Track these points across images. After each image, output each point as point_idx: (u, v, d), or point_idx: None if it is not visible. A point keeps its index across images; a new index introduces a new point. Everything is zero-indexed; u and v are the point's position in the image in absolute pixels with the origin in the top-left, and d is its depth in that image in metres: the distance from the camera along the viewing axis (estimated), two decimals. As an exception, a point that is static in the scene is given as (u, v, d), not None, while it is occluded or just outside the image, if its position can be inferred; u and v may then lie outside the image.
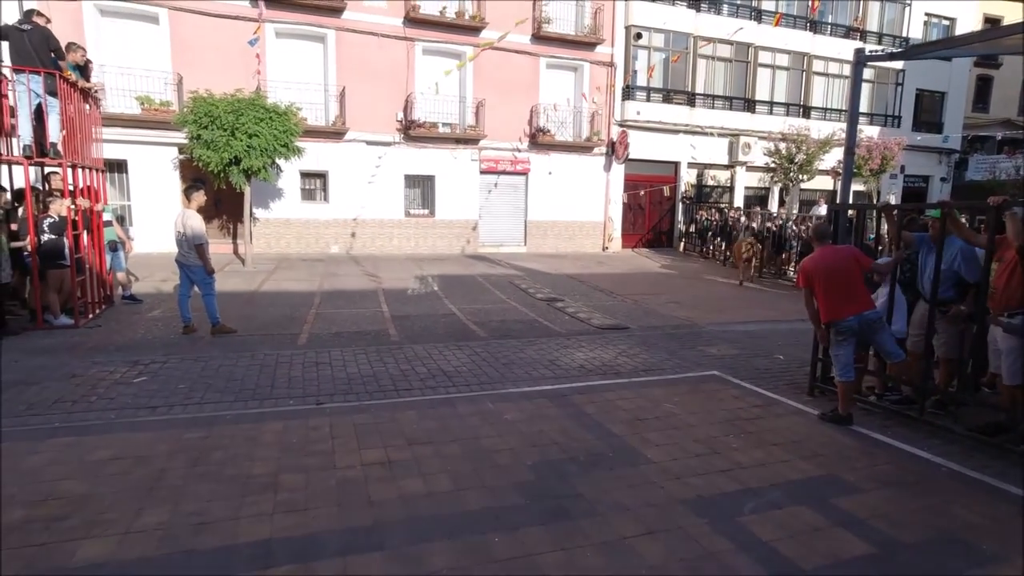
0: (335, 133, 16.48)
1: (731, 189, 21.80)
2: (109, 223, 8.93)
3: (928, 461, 4.04)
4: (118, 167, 14.90)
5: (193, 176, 15.23)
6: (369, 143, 16.93)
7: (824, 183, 21.67)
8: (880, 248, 8.92)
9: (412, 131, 17.09)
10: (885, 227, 8.57)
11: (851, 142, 5.33)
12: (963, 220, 5.11)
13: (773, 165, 20.08)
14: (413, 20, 16.76)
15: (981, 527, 3.16)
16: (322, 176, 16.88)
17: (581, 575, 2.65)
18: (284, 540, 2.86)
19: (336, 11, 16.12)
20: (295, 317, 8.57)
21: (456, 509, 3.21)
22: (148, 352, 6.44)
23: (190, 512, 3.10)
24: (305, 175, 16.62)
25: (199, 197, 7.36)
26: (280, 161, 13.86)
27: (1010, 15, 26.62)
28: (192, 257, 7.12)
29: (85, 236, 7.90)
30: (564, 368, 6.21)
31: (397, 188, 17.52)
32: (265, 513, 3.10)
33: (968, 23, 24.60)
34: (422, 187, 18.03)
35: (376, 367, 6.01)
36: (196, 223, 7.10)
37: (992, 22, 26.92)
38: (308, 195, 16.95)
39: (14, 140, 7.37)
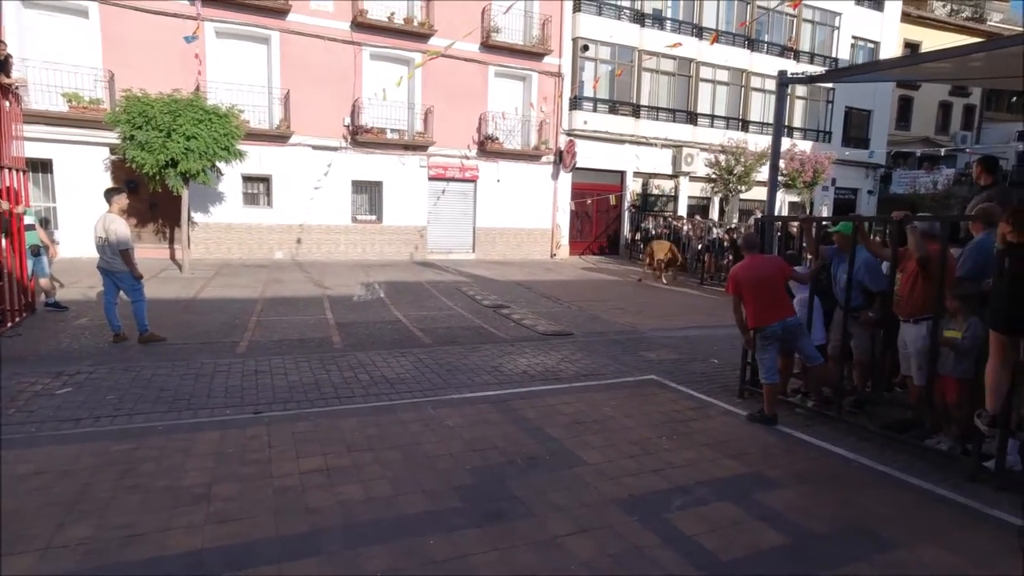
0: (279, 137, 16.14)
1: (675, 198, 22.53)
2: (32, 227, 8.47)
3: (843, 457, 4.33)
4: (43, 167, 14.16)
5: (126, 178, 14.67)
6: (315, 148, 16.67)
7: (762, 194, 22.64)
8: (809, 258, 9.43)
9: (359, 136, 16.92)
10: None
11: (775, 158, 5.66)
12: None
13: (714, 176, 20.88)
14: (361, 25, 16.64)
15: (886, 517, 3.43)
16: (266, 180, 16.50)
17: (513, 573, 2.73)
18: (217, 549, 2.83)
19: (280, 12, 15.83)
20: (235, 324, 8.34)
21: (394, 513, 3.24)
22: (74, 362, 6.15)
23: (117, 525, 3.01)
24: (248, 179, 16.21)
25: (121, 200, 7.13)
26: (221, 164, 13.47)
27: (927, 40, 28.61)
28: (117, 263, 6.86)
29: (3, 240, 7.48)
30: (507, 374, 6.30)
31: (344, 193, 17.29)
32: (197, 524, 3.05)
33: (890, 47, 26.30)
34: (370, 193, 17.86)
35: (318, 375, 5.95)
36: (120, 227, 6.86)
37: (911, 47, 28.85)
38: (251, 199, 16.52)
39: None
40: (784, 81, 5.37)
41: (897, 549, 3.08)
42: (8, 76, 7.88)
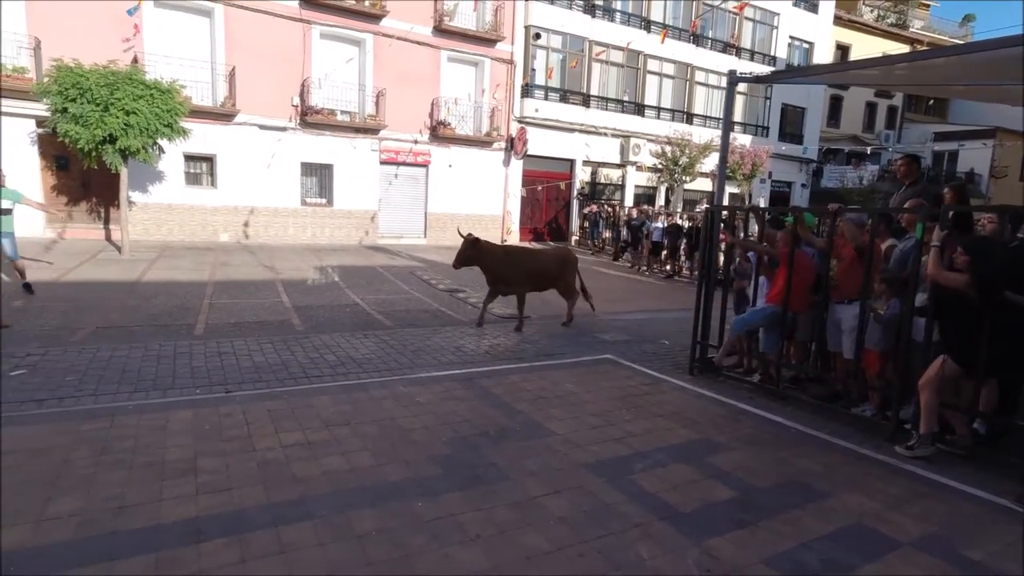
0: (224, 115, 15.61)
1: (622, 187, 23.16)
2: (9, 211, 8.05)
3: (781, 424, 4.80)
4: (-39, 140, 13.20)
5: (55, 153, 13.90)
6: (262, 127, 16.22)
7: (704, 185, 23.62)
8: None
9: (309, 117, 16.58)
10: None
11: (724, 152, 6.08)
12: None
13: (660, 166, 21.59)
14: (310, 2, 16.24)
15: (815, 472, 3.89)
16: (209, 160, 15.95)
17: (499, 529, 2.99)
18: (212, 517, 2.95)
19: (225, -15, 15.25)
20: (187, 308, 8.18)
21: (379, 480, 3.43)
22: (20, 344, 5.93)
23: (106, 498, 3.07)
24: (190, 158, 15.61)
25: None
26: (163, 142, 12.95)
27: (857, 43, 30.35)
28: None
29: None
30: (470, 354, 6.52)
31: (293, 175, 16.93)
32: (188, 495, 3.15)
33: (823, 47, 27.77)
34: (319, 175, 17.55)
35: (284, 355, 5.99)
36: None
37: (842, 48, 30.54)
38: (193, 179, 15.94)
39: None
40: (733, 80, 5.78)
41: (826, 498, 3.52)
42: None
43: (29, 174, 13.60)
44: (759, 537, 3.05)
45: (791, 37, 26.52)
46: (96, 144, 11.83)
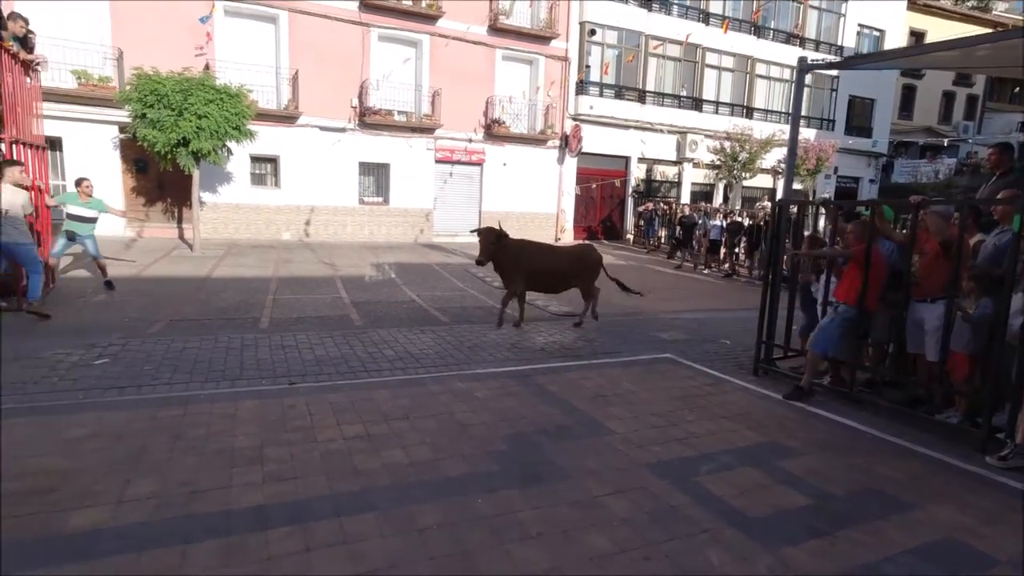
0: (287, 117, 16.15)
1: (679, 184, 22.62)
2: (88, 219, 8.62)
3: (856, 429, 4.54)
4: (52, 145, 14.12)
5: (135, 156, 14.73)
6: (323, 129, 16.69)
7: (765, 181, 22.80)
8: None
9: (367, 118, 16.94)
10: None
11: (793, 144, 5.80)
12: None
13: (718, 163, 20.96)
14: (368, 5, 16.59)
15: (897, 481, 3.64)
16: (273, 161, 16.53)
17: (560, 527, 2.93)
18: (278, 505, 3.01)
19: (289, -8, 15.77)
20: (253, 302, 8.49)
21: (438, 475, 3.43)
22: (102, 335, 6.29)
23: (180, 483, 3.19)
24: (255, 159, 16.23)
25: (14, 173, 6.74)
26: (231, 144, 13.51)
27: (932, 29, 28.59)
28: (18, 234, 6.64)
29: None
30: (526, 351, 6.48)
31: (351, 175, 17.35)
32: (255, 482, 3.23)
33: (896, 35, 26.28)
34: (376, 175, 17.92)
35: (343, 349, 6.12)
36: (21, 198, 6.71)
37: (917, 35, 28.83)
38: (258, 180, 16.56)
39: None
40: (804, 68, 5.51)
41: (912, 509, 3.29)
42: (30, 52, 7.93)
43: (111, 177, 14.47)
44: (838, 548, 2.87)
45: (860, 25, 25.22)
46: (171, 147, 12.46)
